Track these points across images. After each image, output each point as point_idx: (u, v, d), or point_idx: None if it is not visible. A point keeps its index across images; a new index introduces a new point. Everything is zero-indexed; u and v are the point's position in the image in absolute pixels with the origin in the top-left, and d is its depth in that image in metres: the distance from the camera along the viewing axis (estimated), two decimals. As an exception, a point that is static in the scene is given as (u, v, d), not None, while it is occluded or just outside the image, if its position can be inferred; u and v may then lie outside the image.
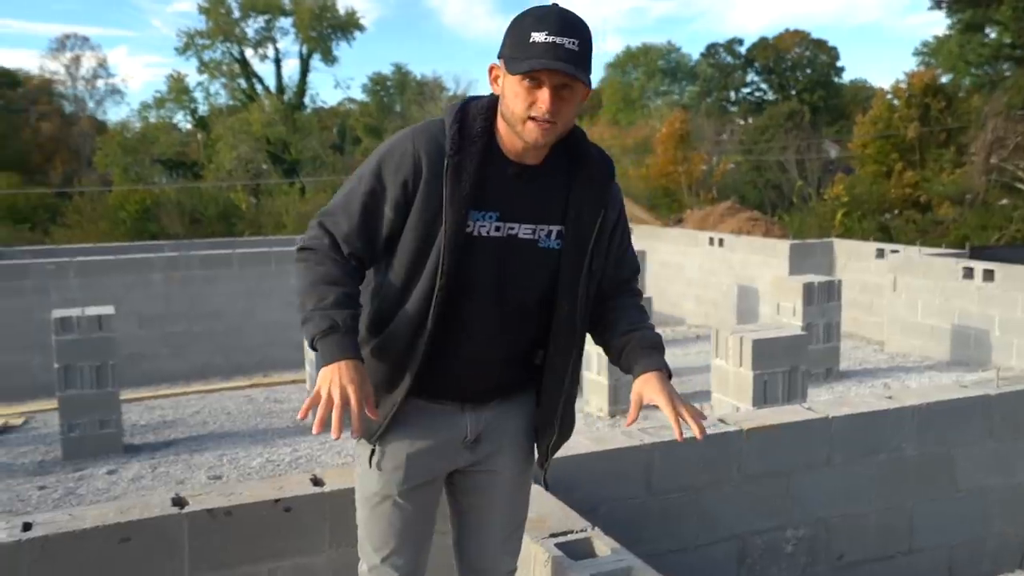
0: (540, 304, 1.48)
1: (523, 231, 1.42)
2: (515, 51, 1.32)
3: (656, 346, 1.52)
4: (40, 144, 25.24)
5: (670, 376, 1.50)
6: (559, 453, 2.37)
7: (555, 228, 1.44)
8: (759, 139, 23.21)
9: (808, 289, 6.59)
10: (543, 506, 2.04)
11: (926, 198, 17.59)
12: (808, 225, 16.91)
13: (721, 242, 10.36)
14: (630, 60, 31.56)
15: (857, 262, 8.99)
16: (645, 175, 20.59)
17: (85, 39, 30.61)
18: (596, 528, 1.94)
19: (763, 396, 4.81)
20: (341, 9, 24.89)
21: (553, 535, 1.87)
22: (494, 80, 1.41)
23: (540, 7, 1.36)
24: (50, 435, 6.07)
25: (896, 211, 17.94)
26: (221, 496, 2.16)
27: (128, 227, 18.76)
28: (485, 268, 1.41)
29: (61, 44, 28.84)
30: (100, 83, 30.16)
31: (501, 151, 1.40)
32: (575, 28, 1.32)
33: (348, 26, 25.20)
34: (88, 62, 29.32)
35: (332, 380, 1.29)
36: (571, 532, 1.90)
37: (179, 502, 2.17)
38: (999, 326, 6.77)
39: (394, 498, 1.48)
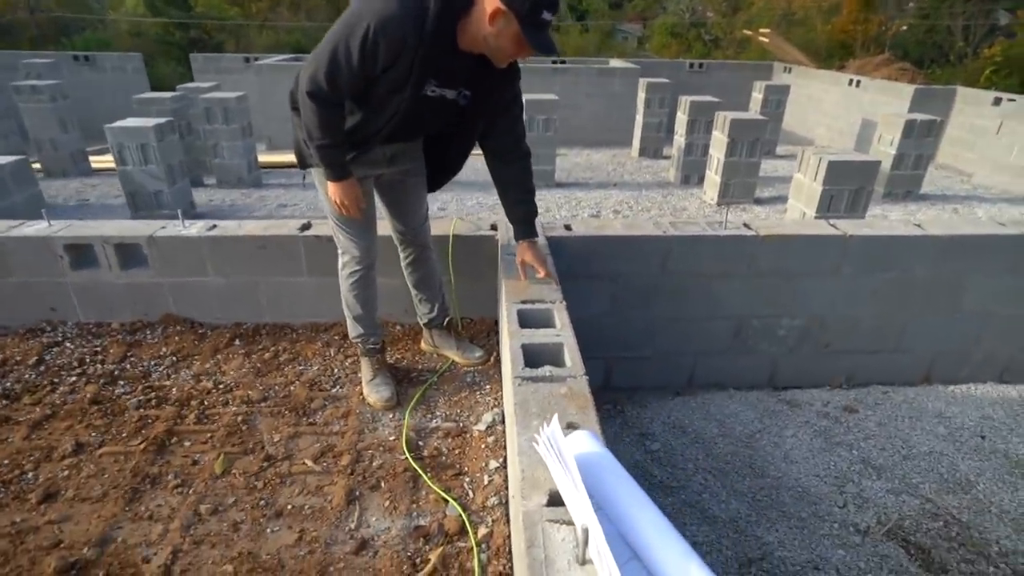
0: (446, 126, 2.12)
1: (449, 93, 1.95)
2: (529, 19, 1.72)
3: (530, 219, 2.24)
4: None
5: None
6: (594, 232, 2.78)
7: (465, 91, 1.98)
8: (939, 6, 24.64)
9: (909, 125, 6.89)
10: (538, 283, 2.21)
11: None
12: (955, 79, 17.35)
13: (858, 83, 10.74)
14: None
15: (975, 107, 8.85)
16: (829, 31, 24.09)
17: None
18: (563, 303, 2.08)
19: (827, 207, 4.79)
20: None
21: (525, 301, 2.08)
22: (492, 18, 1.74)
23: None
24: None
25: (1045, 72, 18.26)
26: (326, 227, 2.76)
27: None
28: (430, 114, 1.98)
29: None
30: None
31: (457, 43, 1.84)
32: (559, 6, 1.77)
33: None
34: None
35: (347, 192, 2.06)
36: (542, 302, 2.08)
37: (306, 227, 2.79)
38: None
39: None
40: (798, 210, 5.18)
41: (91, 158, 8.23)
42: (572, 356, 1.81)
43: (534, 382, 1.68)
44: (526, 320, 2.02)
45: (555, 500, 1.27)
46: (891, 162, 6.95)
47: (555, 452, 1.23)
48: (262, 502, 1.98)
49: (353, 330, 2.43)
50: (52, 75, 9.41)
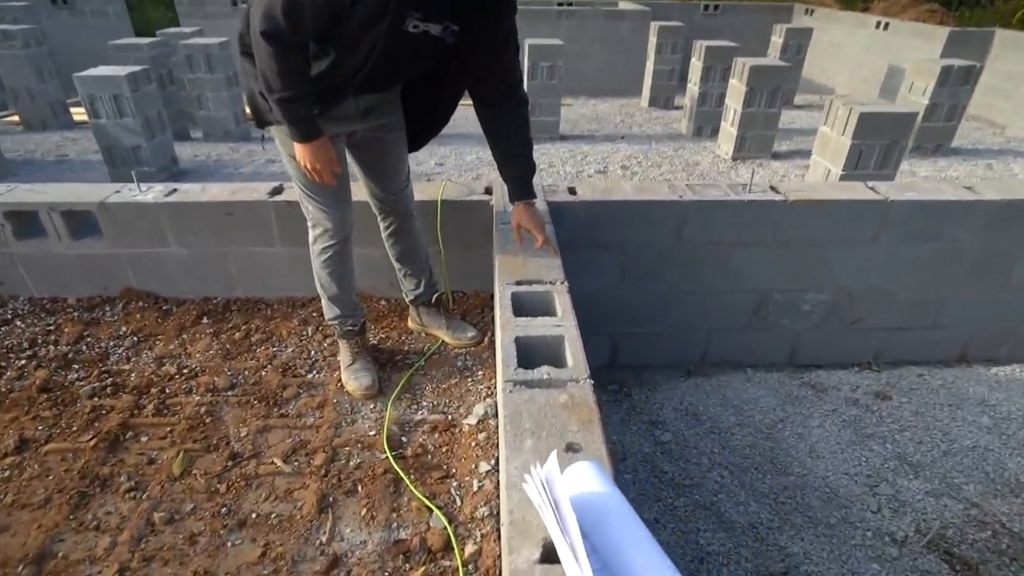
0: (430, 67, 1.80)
1: (434, 29, 1.63)
2: None
3: (527, 176, 1.96)
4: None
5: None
6: (601, 197, 2.47)
7: (453, 26, 1.66)
8: (972, -59, 22.18)
9: (945, 71, 6.27)
10: (536, 257, 1.94)
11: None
12: (985, 20, 15.93)
13: (886, 26, 9.90)
14: None
15: (1014, 52, 8.02)
16: (855, -31, 22.28)
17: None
18: (564, 283, 1.80)
19: (856, 164, 4.43)
20: None
21: (521, 282, 1.80)
22: None
23: None
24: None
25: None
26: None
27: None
28: (412, 54, 1.68)
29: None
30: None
31: None
32: None
33: None
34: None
35: (320, 154, 1.76)
36: (540, 283, 1.80)
37: (277, 191, 2.49)
38: None
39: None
40: (822, 167, 4.80)
41: (72, 110, 7.83)
42: (574, 353, 1.54)
43: (529, 387, 1.42)
44: (522, 306, 1.74)
45: (551, 555, 1.02)
46: (922, 113, 6.46)
47: (550, 502, 0.97)
48: (224, 509, 1.76)
49: (329, 311, 2.16)
50: (29, 20, 8.90)
